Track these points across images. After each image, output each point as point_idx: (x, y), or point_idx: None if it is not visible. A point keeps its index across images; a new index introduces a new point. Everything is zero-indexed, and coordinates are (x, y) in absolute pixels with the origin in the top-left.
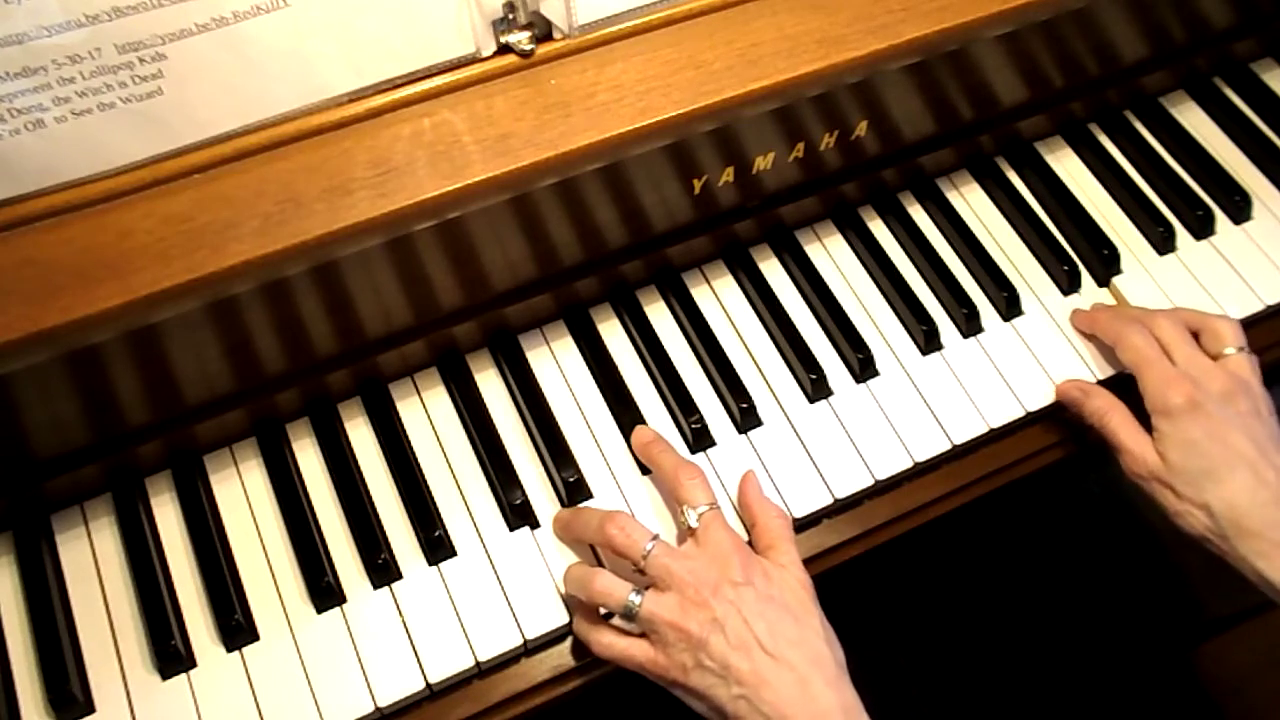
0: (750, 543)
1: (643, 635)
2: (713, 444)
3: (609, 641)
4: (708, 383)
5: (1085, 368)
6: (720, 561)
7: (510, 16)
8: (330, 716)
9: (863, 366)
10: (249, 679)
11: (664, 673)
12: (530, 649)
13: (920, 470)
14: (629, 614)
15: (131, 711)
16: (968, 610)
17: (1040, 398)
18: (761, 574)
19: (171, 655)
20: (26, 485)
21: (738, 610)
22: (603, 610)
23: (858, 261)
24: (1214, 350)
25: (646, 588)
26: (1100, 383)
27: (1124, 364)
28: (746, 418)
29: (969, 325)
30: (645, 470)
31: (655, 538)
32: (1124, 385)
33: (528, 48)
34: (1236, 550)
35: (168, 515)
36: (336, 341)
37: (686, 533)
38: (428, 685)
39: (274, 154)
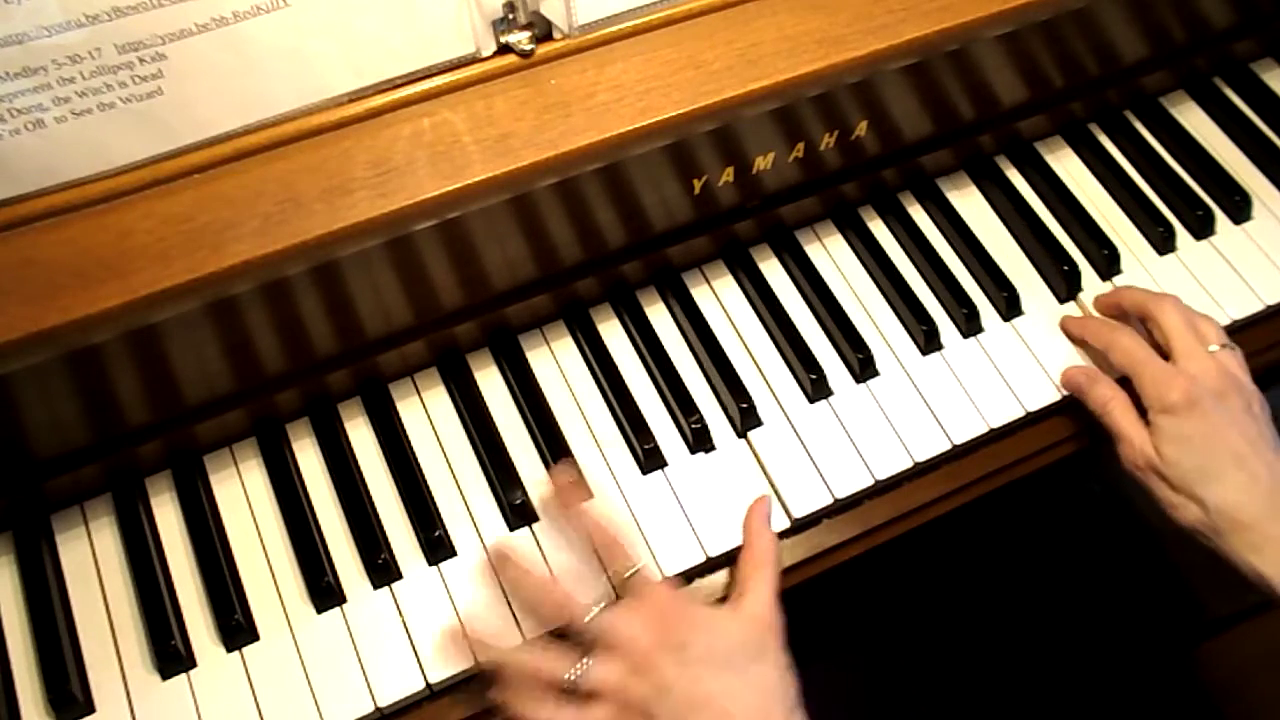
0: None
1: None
2: (712, 444)
3: (554, 716)
4: (707, 383)
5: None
6: (659, 621)
7: (510, 16)
8: (330, 716)
9: (863, 366)
10: (249, 679)
11: None
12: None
13: (920, 470)
14: (575, 687)
15: (131, 711)
16: (968, 610)
17: (1040, 398)
18: (704, 629)
19: (171, 655)
20: (26, 485)
21: (681, 672)
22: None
23: (858, 261)
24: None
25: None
26: None
27: (1118, 367)
28: (746, 418)
29: (969, 325)
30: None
31: (599, 604)
32: (1124, 382)
33: (528, 48)
34: (1229, 544)
35: (168, 515)
36: (336, 341)
37: (620, 594)
38: (428, 685)
39: (274, 154)
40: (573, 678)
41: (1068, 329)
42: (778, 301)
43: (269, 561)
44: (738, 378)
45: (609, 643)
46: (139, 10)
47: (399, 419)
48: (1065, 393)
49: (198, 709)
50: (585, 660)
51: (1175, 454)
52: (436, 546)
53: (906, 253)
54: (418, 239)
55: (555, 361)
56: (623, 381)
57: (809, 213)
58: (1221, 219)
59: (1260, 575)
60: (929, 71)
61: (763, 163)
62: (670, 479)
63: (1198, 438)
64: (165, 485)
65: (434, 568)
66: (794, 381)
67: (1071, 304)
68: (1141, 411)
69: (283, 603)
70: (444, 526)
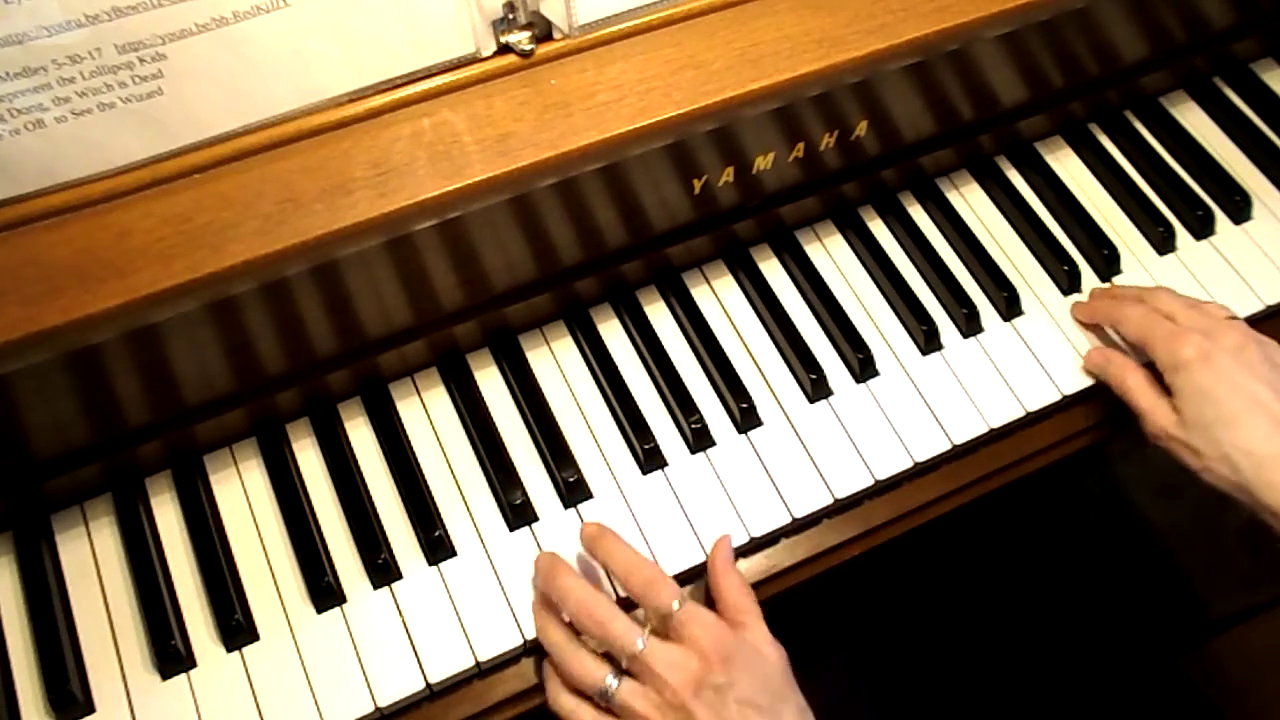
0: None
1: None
2: (713, 444)
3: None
4: (708, 383)
5: (1085, 367)
6: (700, 659)
7: (510, 16)
8: (330, 716)
9: (863, 366)
10: (249, 679)
11: None
12: (530, 649)
13: (920, 470)
14: (603, 697)
15: (131, 711)
16: (968, 610)
17: (1040, 398)
18: (741, 668)
19: (171, 655)
20: (26, 485)
21: (717, 714)
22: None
23: (858, 261)
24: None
25: (624, 671)
26: None
27: (1130, 341)
28: (746, 418)
29: (969, 325)
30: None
31: (644, 635)
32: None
33: (528, 48)
34: (1261, 500)
35: (168, 515)
36: (336, 341)
37: (661, 629)
38: (428, 685)
39: (274, 154)
40: (608, 689)
41: (1077, 314)
42: (778, 301)
43: (269, 561)
44: (738, 378)
45: (648, 676)
46: (139, 10)
47: (399, 419)
48: (1065, 393)
49: (198, 709)
50: (616, 678)
51: (1195, 410)
52: (436, 546)
53: (906, 253)
54: (418, 239)
55: (555, 361)
56: (623, 381)
57: (809, 213)
58: (1221, 219)
59: None
60: (929, 71)
61: (763, 163)
62: (670, 479)
63: (1216, 389)
64: (165, 485)
65: (434, 568)
66: (794, 381)
67: (1072, 303)
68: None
69: (283, 603)
70: (444, 526)
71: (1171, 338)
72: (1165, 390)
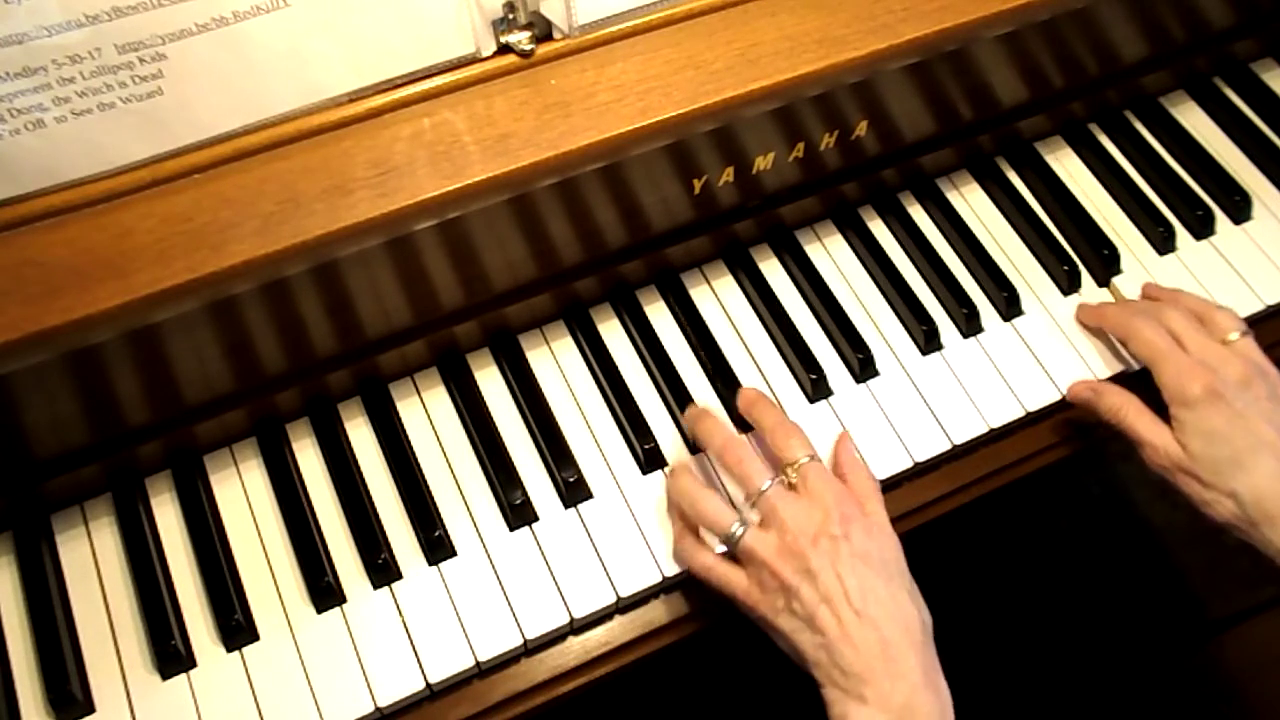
0: None
1: (739, 562)
2: None
3: (710, 564)
4: (707, 383)
5: (1086, 367)
6: (822, 511)
7: (510, 16)
8: (330, 716)
9: (863, 366)
10: (249, 679)
11: (755, 606)
12: (530, 649)
13: (920, 470)
14: (729, 541)
15: (131, 711)
16: (968, 611)
17: (1040, 398)
18: (861, 529)
19: (171, 655)
20: (26, 485)
21: (832, 563)
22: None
23: (858, 261)
24: (1218, 338)
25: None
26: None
27: (1137, 358)
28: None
29: (969, 325)
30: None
31: (774, 478)
32: (1127, 383)
33: (528, 48)
34: (1264, 536)
35: (168, 515)
36: (336, 341)
37: (788, 487)
38: (428, 685)
39: (274, 154)
40: (734, 534)
41: (1082, 317)
42: (778, 301)
43: (269, 561)
44: (737, 378)
45: (771, 517)
46: (139, 10)
47: (399, 419)
48: (1065, 393)
49: (198, 709)
50: (736, 527)
51: (1202, 448)
52: (436, 546)
53: (906, 253)
54: (418, 239)
55: (555, 361)
56: (623, 381)
57: (809, 213)
58: (1221, 219)
59: None
60: (929, 71)
61: (763, 163)
62: None
63: (1224, 429)
64: (165, 485)
65: (434, 568)
66: (794, 381)
67: (1072, 303)
68: (1159, 408)
69: (283, 603)
70: (444, 526)
71: (1181, 372)
72: (1162, 416)
